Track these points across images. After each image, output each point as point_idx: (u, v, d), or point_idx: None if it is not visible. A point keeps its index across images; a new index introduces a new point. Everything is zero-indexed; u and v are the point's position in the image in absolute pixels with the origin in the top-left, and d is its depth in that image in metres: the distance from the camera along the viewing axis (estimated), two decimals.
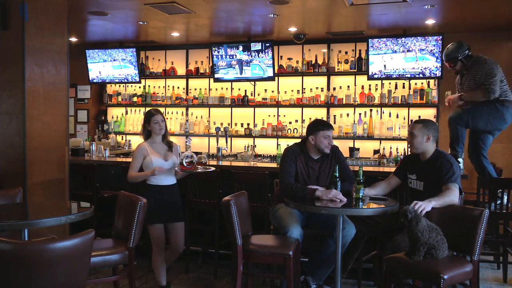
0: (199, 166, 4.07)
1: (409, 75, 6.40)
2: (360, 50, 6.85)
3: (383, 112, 6.82)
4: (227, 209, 3.23)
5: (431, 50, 6.26)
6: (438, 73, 6.27)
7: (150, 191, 3.80)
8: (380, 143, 6.79)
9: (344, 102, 6.88)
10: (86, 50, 7.83)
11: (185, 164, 3.86)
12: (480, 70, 4.42)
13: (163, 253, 3.84)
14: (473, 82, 4.49)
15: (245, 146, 6.80)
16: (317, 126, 3.77)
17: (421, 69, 6.33)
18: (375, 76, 6.52)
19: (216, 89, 7.58)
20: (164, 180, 3.88)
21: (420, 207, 3.12)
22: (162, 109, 7.81)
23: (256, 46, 6.89)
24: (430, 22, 5.99)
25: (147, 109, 7.85)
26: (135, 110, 8.11)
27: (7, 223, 2.79)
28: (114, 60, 7.71)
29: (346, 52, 6.94)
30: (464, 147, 4.63)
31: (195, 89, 7.68)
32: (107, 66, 7.79)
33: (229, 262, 4.59)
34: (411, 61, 6.36)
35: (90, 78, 7.93)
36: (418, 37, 6.28)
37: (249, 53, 6.96)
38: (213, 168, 4.13)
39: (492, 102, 4.42)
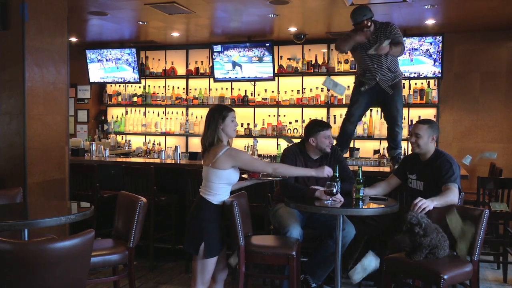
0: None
1: (408, 75, 6.40)
2: None
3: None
4: (230, 210, 3.22)
5: (427, 50, 6.26)
6: (438, 73, 6.27)
7: (214, 212, 3.16)
8: (380, 143, 6.77)
9: (344, 102, 6.86)
10: (86, 50, 7.84)
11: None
12: (394, 30, 4.29)
13: None
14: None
15: (245, 146, 6.81)
16: (316, 127, 3.75)
17: (421, 70, 6.33)
18: None
19: (216, 89, 7.57)
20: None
21: (423, 204, 3.14)
22: (162, 109, 7.89)
23: (254, 46, 6.89)
24: (430, 22, 5.99)
25: (148, 109, 8.05)
26: (135, 110, 8.10)
27: (7, 223, 2.78)
28: (114, 59, 7.71)
29: (346, 52, 6.93)
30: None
31: (195, 89, 7.68)
32: (106, 66, 7.78)
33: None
34: (412, 62, 6.36)
35: (90, 78, 7.93)
36: (418, 37, 6.27)
37: (248, 53, 6.95)
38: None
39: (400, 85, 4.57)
